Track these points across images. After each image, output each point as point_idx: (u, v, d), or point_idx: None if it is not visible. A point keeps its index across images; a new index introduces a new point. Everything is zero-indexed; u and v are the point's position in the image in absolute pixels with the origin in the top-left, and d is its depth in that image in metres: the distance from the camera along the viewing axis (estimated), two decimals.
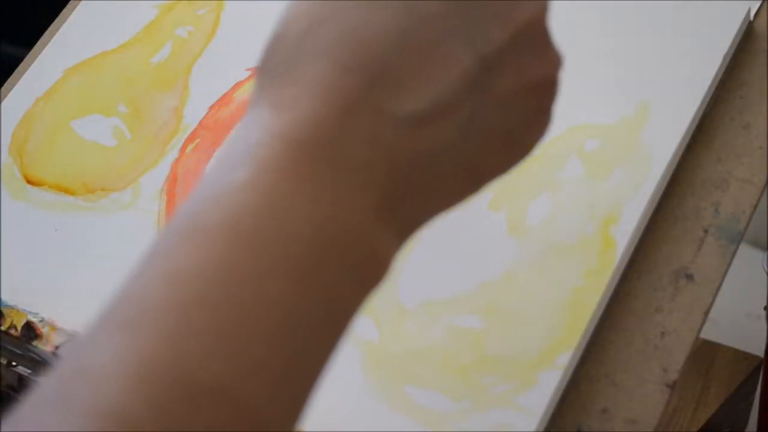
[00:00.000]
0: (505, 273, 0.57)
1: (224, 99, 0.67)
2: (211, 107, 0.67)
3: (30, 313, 0.61)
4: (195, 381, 0.33)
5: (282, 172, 0.36)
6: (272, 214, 0.35)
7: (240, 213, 0.35)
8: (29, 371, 0.61)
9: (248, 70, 0.68)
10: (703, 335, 0.80)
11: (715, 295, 0.56)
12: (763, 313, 0.83)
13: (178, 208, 0.37)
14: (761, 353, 0.84)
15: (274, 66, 0.38)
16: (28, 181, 0.67)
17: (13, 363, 0.62)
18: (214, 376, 0.33)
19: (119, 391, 0.32)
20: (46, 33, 0.75)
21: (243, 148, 0.37)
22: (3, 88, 0.73)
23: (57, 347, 0.59)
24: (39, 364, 0.61)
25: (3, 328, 0.61)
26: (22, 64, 0.74)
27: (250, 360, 0.34)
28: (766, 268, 0.83)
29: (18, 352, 0.61)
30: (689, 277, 0.57)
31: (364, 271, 0.37)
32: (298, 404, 0.36)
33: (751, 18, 0.63)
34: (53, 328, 0.60)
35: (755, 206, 0.58)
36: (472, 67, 0.38)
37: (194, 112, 0.67)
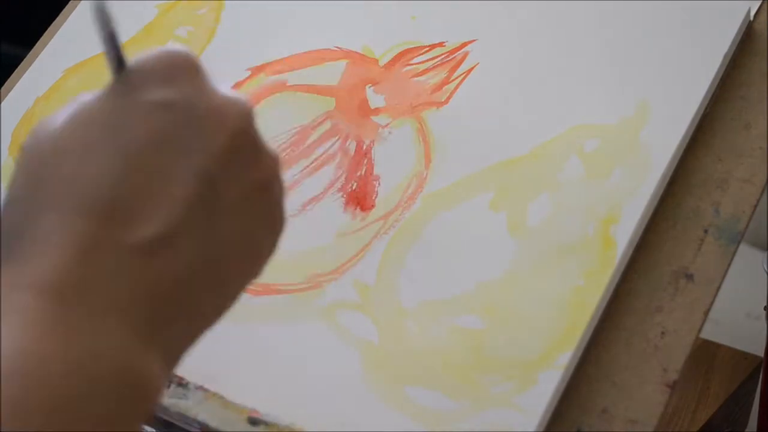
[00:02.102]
0: (505, 273, 0.57)
1: None
2: None
3: None
4: None
5: (32, 320, 0.37)
6: (24, 358, 0.36)
7: None
8: None
9: (248, 70, 0.68)
10: (703, 335, 0.80)
11: (715, 295, 0.56)
12: (763, 313, 0.83)
13: None
14: (761, 353, 0.84)
15: (12, 225, 0.40)
16: None
17: None
18: None
19: None
20: (46, 33, 0.75)
21: None
22: (3, 88, 0.73)
23: None
24: None
25: None
26: (22, 64, 0.74)
27: None
28: (766, 268, 0.84)
29: None
30: (689, 277, 0.56)
31: (132, 397, 0.38)
32: None
33: (751, 18, 0.63)
34: None
35: (755, 206, 0.58)
36: (194, 184, 0.40)
37: None
